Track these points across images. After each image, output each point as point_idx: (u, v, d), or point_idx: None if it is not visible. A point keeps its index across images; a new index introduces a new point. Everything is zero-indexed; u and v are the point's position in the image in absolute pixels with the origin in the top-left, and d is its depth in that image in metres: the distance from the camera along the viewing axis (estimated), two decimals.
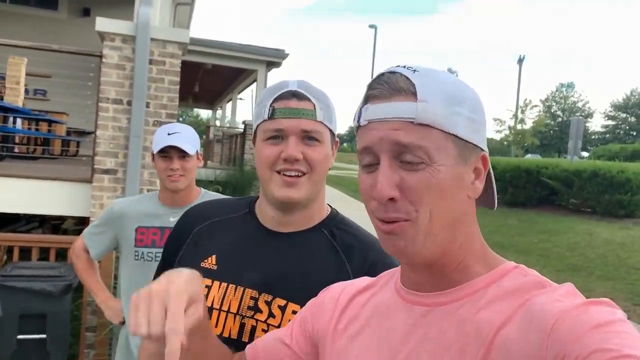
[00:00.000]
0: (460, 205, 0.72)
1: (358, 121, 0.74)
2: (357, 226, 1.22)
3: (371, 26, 35.33)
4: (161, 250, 2.08)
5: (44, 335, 3.62)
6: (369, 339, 0.79)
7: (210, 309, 1.09)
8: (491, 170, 0.78)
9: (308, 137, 1.12)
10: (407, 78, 0.71)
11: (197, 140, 2.15)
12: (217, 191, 9.10)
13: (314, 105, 1.12)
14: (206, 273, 1.11)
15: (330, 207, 1.26)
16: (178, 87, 4.45)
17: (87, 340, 4.19)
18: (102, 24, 4.26)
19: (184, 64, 6.43)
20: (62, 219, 7.61)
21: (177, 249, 1.24)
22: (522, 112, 32.90)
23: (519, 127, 31.77)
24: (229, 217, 1.23)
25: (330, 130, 1.17)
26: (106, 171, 4.31)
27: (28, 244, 4.10)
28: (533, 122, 35.73)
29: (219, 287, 1.11)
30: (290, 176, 1.11)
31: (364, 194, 0.73)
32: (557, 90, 72.34)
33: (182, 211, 2.12)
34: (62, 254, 4.27)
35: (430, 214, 0.68)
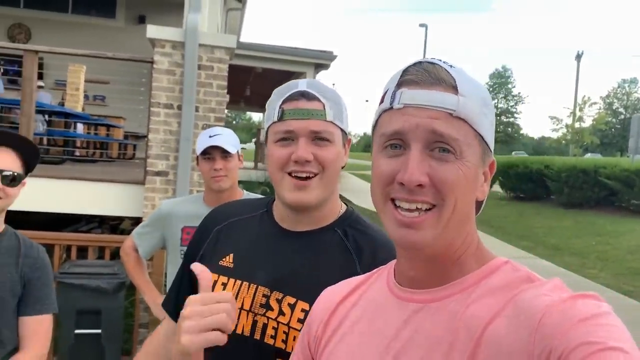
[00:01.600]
0: (472, 204, 0.74)
1: (391, 104, 0.72)
2: (371, 225, 1.21)
3: (421, 25, 34.96)
4: None
5: (99, 331, 3.79)
6: (359, 336, 0.80)
7: None
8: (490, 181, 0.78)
9: (318, 138, 1.11)
10: (448, 71, 0.71)
11: (237, 142, 2.22)
12: (265, 193, 9.19)
13: (324, 105, 1.11)
14: (223, 271, 1.16)
15: (347, 205, 1.25)
16: (226, 91, 4.57)
17: (140, 336, 4.34)
18: (153, 31, 4.42)
19: (235, 68, 6.58)
20: (120, 219, 7.91)
21: (199, 247, 1.27)
22: (581, 109, 31.73)
23: (577, 125, 30.65)
24: (247, 217, 1.25)
25: (342, 129, 1.16)
26: (158, 173, 4.47)
27: (85, 243, 4.30)
28: (592, 120, 34.40)
29: (234, 284, 1.14)
30: (301, 178, 1.10)
31: (381, 178, 0.72)
32: (619, 87, 69.42)
33: None
34: (116, 253, 4.45)
35: (454, 206, 0.70)
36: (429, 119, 0.69)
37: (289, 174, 1.11)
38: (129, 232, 7.31)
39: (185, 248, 2.19)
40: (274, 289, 1.10)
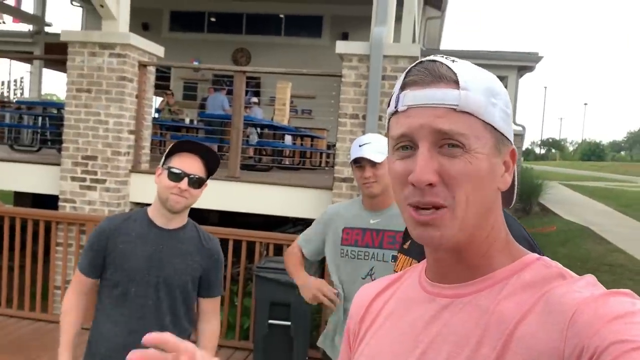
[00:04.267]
0: (492, 196, 0.72)
1: (395, 107, 0.74)
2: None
3: None
4: (362, 249, 2.28)
5: (289, 323, 4.15)
6: (390, 331, 0.80)
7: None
8: (516, 167, 0.76)
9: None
10: (448, 67, 0.71)
11: (386, 148, 2.27)
12: None
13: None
14: (403, 251, 1.64)
15: None
16: None
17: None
18: (342, 46, 4.72)
19: None
20: None
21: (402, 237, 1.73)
22: None
23: None
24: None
25: None
26: (344, 179, 4.74)
27: (280, 242, 4.75)
28: None
29: (404, 259, 1.60)
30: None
31: (396, 181, 0.74)
32: None
33: (380, 214, 2.30)
34: None
35: (467, 200, 0.69)
36: (432, 118, 0.69)
37: None
38: None
39: (344, 247, 2.34)
40: (420, 260, 1.42)
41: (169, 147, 2.02)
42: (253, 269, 4.49)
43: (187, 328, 2.08)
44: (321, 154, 10.54)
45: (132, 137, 5.31)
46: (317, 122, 12.14)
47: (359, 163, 2.25)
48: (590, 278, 0.66)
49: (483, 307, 0.70)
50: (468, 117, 0.70)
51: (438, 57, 0.74)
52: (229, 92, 11.90)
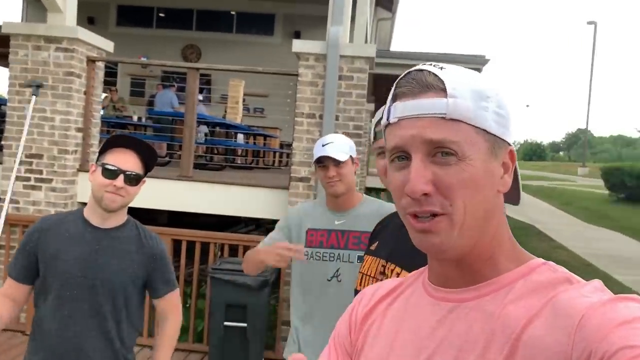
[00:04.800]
0: (491, 200, 0.72)
1: (387, 119, 0.75)
2: None
3: (590, 23, 32.19)
4: (327, 250, 2.26)
5: (244, 324, 4.10)
6: (394, 336, 0.80)
7: (363, 275, 1.57)
8: (517, 166, 0.76)
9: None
10: (435, 75, 0.71)
11: (351, 147, 2.28)
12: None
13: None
14: (370, 252, 1.62)
15: None
16: (365, 99, 4.68)
17: (282, 332, 4.60)
18: (298, 45, 4.69)
19: (383, 77, 6.69)
20: (275, 222, 8.44)
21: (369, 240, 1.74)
22: None
23: None
24: (395, 219, 1.59)
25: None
26: (301, 179, 4.72)
27: (235, 243, 4.68)
28: None
29: (371, 260, 1.57)
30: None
31: (395, 192, 0.74)
32: None
33: (345, 214, 2.29)
34: None
35: (465, 207, 0.69)
36: (422, 128, 0.70)
37: None
38: None
39: (309, 249, 2.31)
40: (387, 260, 1.50)
41: (103, 142, 1.93)
42: (207, 270, 4.42)
43: (131, 332, 2.00)
44: (275, 153, 10.48)
45: (80, 134, 5.11)
46: (270, 120, 12.08)
47: (323, 163, 2.24)
48: (597, 283, 0.66)
49: (489, 312, 0.69)
50: (458, 124, 0.70)
51: (426, 66, 0.74)
52: (179, 89, 11.71)
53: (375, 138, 1.43)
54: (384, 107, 1.35)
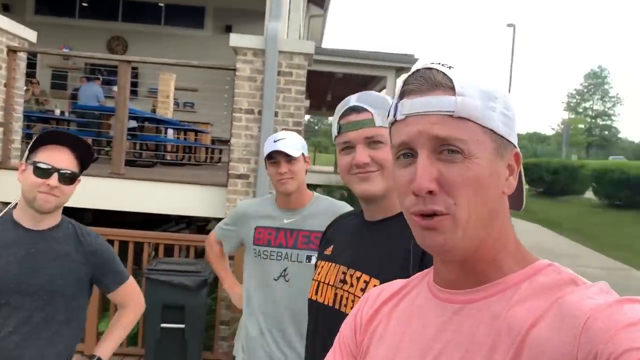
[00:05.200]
0: (496, 200, 0.72)
1: (394, 116, 0.74)
2: None
3: (509, 25, 33.74)
4: (275, 249, 2.23)
5: (182, 325, 3.98)
6: (399, 337, 0.79)
7: (319, 283, 1.41)
8: (522, 170, 0.77)
9: (372, 142, 1.30)
10: (444, 73, 0.71)
11: (303, 145, 2.26)
12: (343, 197, 9.19)
13: (372, 114, 1.30)
14: (325, 257, 1.46)
15: None
16: (304, 96, 4.66)
17: (221, 332, 4.52)
18: (236, 39, 4.60)
19: (316, 73, 6.71)
20: (207, 220, 8.26)
21: (319, 245, 1.61)
22: None
23: None
24: (349, 219, 1.53)
25: None
26: (239, 176, 4.64)
27: (171, 242, 4.54)
28: None
29: (327, 266, 1.41)
30: (364, 172, 1.31)
31: (400, 189, 0.74)
32: None
33: (296, 213, 2.27)
34: (200, 252, 4.66)
35: (469, 207, 0.69)
36: (429, 125, 0.70)
37: (355, 174, 1.32)
38: None
39: (257, 247, 2.28)
40: (349, 267, 1.34)
41: (34, 139, 1.79)
42: (143, 271, 4.26)
43: (74, 337, 1.89)
44: (207, 149, 10.26)
45: (0, 129, 4.77)
46: (201, 116, 11.81)
47: (274, 159, 2.20)
48: (602, 285, 0.66)
49: (494, 313, 0.69)
50: (466, 123, 0.69)
51: (434, 65, 0.73)
52: (105, 83, 11.22)
53: (339, 132, 1.33)
54: (345, 100, 1.35)
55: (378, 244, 1.31)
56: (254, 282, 2.29)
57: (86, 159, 1.83)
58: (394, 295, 0.87)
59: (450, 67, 0.72)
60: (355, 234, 1.41)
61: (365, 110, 1.31)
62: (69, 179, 1.76)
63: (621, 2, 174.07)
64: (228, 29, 12.43)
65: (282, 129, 4.57)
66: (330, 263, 1.41)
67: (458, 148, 0.69)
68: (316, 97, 16.13)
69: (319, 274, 1.43)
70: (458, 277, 0.75)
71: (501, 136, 0.72)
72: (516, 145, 0.75)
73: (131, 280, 2.03)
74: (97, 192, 4.75)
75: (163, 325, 3.96)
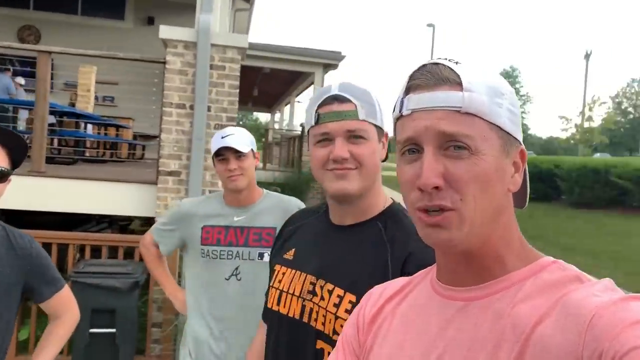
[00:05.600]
0: (502, 197, 0.72)
1: (400, 111, 0.73)
2: (408, 217, 1.24)
3: (429, 25, 34.86)
4: (225, 248, 2.16)
5: (113, 330, 3.80)
6: (403, 335, 0.79)
7: (281, 292, 1.28)
8: (526, 168, 0.77)
9: (353, 136, 1.19)
10: (451, 69, 0.71)
11: (252, 141, 2.21)
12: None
13: (356, 106, 1.19)
14: (285, 262, 1.33)
15: (392, 200, 1.30)
16: (238, 91, 4.57)
17: (153, 335, 4.36)
18: (165, 31, 4.43)
19: (243, 68, 6.57)
20: (129, 219, 7.95)
21: (274, 247, 1.47)
22: (590, 109, 31.60)
23: (586, 125, 30.53)
24: (310, 219, 1.40)
25: (376, 126, 1.23)
26: (170, 173, 4.48)
27: (98, 243, 4.32)
28: (602, 120, 34.22)
29: (290, 273, 1.29)
30: (341, 169, 1.19)
31: (405, 185, 0.73)
32: (628, 86, 68.99)
33: (245, 211, 2.20)
34: (129, 253, 4.47)
35: (475, 202, 0.68)
36: (436, 120, 0.69)
37: (330, 170, 1.20)
38: (139, 232, 7.34)
39: (205, 247, 2.20)
40: (319, 277, 1.22)
41: None
42: (68, 274, 4.02)
43: (4, 350, 1.73)
44: (130, 145, 9.86)
45: None
46: (122, 110, 11.31)
47: (222, 155, 2.13)
48: (607, 282, 0.66)
49: (499, 311, 0.68)
50: (473, 119, 0.69)
51: (441, 60, 0.73)
52: (15, 74, 10.48)
53: (318, 121, 1.21)
54: (324, 87, 1.27)
55: (351, 253, 1.21)
56: (200, 284, 2.21)
57: (19, 156, 1.68)
58: (397, 294, 0.86)
59: (457, 63, 0.72)
60: (322, 238, 1.29)
61: (348, 100, 1.20)
62: (0, 177, 1.60)
63: (530, 4, 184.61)
64: (150, 21, 12.01)
65: (215, 124, 4.47)
66: (293, 270, 1.29)
67: (465, 144, 0.68)
68: (242, 92, 15.93)
69: (280, 282, 1.30)
70: (462, 274, 0.74)
71: (507, 133, 0.72)
72: (521, 142, 0.75)
73: (67, 288, 1.87)
74: (15, 191, 4.43)
75: (92, 330, 3.77)
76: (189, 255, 2.30)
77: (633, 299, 0.61)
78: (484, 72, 0.72)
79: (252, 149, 2.18)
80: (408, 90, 0.73)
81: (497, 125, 0.70)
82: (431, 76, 0.71)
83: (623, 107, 66.11)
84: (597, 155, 34.11)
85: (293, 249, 1.34)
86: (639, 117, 62.81)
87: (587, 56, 37.40)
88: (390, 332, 0.81)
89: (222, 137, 2.11)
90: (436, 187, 0.68)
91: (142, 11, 12.48)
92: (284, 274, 1.31)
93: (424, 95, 0.70)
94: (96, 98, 11.58)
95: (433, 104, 0.69)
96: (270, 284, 1.34)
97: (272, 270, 1.39)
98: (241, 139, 2.13)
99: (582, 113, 30.81)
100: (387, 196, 1.30)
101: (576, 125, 30.28)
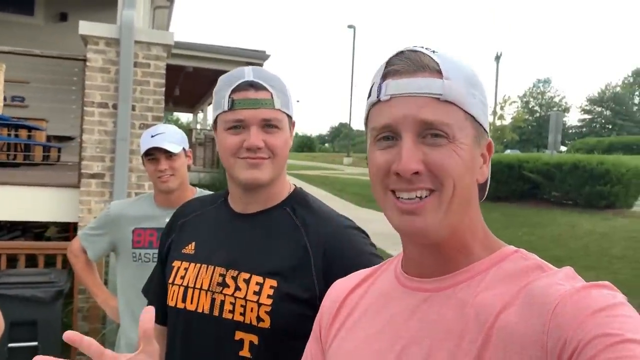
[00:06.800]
0: (471, 187, 0.73)
1: (378, 97, 0.72)
2: (318, 202, 1.28)
3: (350, 26, 35.42)
4: (157, 251, 2.08)
5: (35, 343, 3.58)
6: (367, 327, 0.78)
7: (186, 288, 1.21)
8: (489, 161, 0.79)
9: (268, 125, 1.18)
10: (430, 57, 0.71)
11: (184, 139, 2.14)
12: None
13: (272, 94, 1.18)
14: (186, 257, 1.26)
15: (295, 185, 1.31)
16: (163, 89, 4.44)
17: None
18: (86, 27, 4.23)
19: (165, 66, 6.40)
20: (45, 227, 7.51)
21: (167, 240, 1.36)
22: (502, 108, 33.35)
23: (498, 123, 32.21)
24: (208, 209, 1.33)
25: (288, 115, 1.23)
26: (93, 175, 4.28)
27: (15, 252, 4.05)
28: (512, 118, 36.23)
29: (194, 268, 1.22)
30: (254, 158, 1.17)
31: (378, 171, 0.72)
32: (534, 86, 73.39)
33: None
34: (49, 261, 4.22)
35: (454, 189, 0.68)
36: (416, 108, 0.68)
37: (242, 159, 1.18)
38: (56, 240, 6.95)
39: (137, 250, 2.11)
40: (229, 267, 1.18)
41: None
42: None
43: None
44: (45, 147, 9.32)
45: None
46: (34, 110, 10.66)
47: (152, 155, 2.05)
48: (569, 270, 0.68)
49: (463, 300, 0.69)
50: (451, 107, 0.69)
51: (419, 47, 0.72)
52: None
53: (231, 107, 1.15)
54: (236, 71, 1.20)
55: (263, 239, 1.19)
56: (133, 289, 2.12)
57: None
58: (360, 285, 0.86)
59: (434, 51, 0.72)
60: (226, 228, 1.24)
61: (264, 88, 1.17)
62: None
63: (445, 7, 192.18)
64: (63, 17, 11.40)
65: (141, 124, 4.31)
66: (198, 264, 1.22)
67: (443, 132, 0.68)
68: (167, 89, 15.49)
69: (182, 278, 1.22)
70: (428, 265, 0.74)
71: (479, 124, 0.73)
72: (488, 134, 0.76)
73: None
74: None
75: (11, 345, 3.53)
76: (120, 260, 2.20)
77: (594, 287, 0.63)
78: (461, 61, 0.73)
79: (183, 148, 2.11)
80: (385, 75, 0.72)
81: (472, 116, 0.71)
82: (411, 62, 0.70)
83: (530, 106, 70.24)
84: (508, 151, 36.02)
85: (192, 242, 1.27)
86: (544, 115, 66.92)
87: (498, 58, 39.39)
88: (356, 325, 0.81)
89: (152, 136, 2.03)
90: (416, 173, 0.68)
91: (54, 7, 11.82)
92: (186, 269, 1.23)
93: (403, 81, 0.70)
94: (4, 98, 10.88)
95: (414, 90, 0.69)
96: (169, 282, 1.25)
97: (168, 267, 1.29)
98: (172, 138, 2.06)
99: (494, 112, 32.42)
100: (290, 182, 1.30)
101: (489, 124, 31.91)
